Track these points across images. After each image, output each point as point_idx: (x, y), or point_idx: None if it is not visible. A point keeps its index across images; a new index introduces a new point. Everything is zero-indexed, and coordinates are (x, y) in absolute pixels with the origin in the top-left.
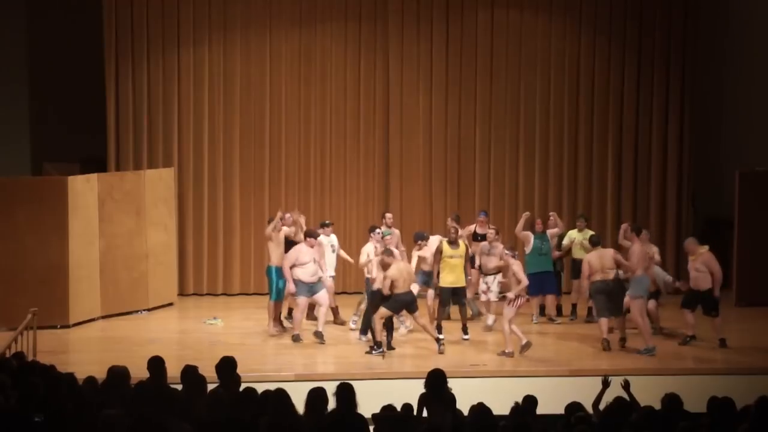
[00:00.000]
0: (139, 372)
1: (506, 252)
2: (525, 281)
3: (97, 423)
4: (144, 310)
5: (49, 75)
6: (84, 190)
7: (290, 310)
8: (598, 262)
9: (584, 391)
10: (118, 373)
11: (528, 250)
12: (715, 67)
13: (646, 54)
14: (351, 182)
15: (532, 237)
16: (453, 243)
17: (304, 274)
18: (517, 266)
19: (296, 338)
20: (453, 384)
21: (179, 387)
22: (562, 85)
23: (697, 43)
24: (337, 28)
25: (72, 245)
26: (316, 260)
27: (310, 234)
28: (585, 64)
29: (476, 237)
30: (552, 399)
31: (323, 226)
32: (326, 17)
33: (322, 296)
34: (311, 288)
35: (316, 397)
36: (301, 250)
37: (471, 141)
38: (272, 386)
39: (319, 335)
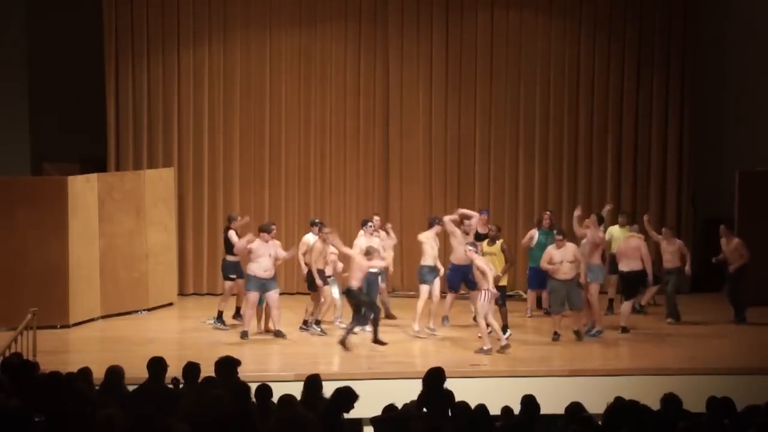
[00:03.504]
0: (139, 372)
1: (469, 248)
2: (490, 272)
3: (95, 423)
4: (144, 310)
5: (49, 74)
6: (84, 190)
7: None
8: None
9: (584, 391)
10: (116, 373)
11: (533, 244)
12: (715, 67)
13: (646, 54)
14: (351, 182)
15: (537, 232)
16: (491, 240)
17: (258, 268)
18: (480, 260)
19: (244, 335)
20: (452, 384)
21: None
22: (562, 85)
23: (697, 43)
24: (337, 28)
25: (72, 245)
26: (271, 255)
27: (264, 229)
28: (585, 64)
29: (478, 236)
30: (552, 399)
31: (312, 224)
32: (326, 17)
33: (272, 297)
34: (263, 284)
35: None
36: (253, 246)
37: (471, 141)
38: (272, 386)
39: (278, 334)
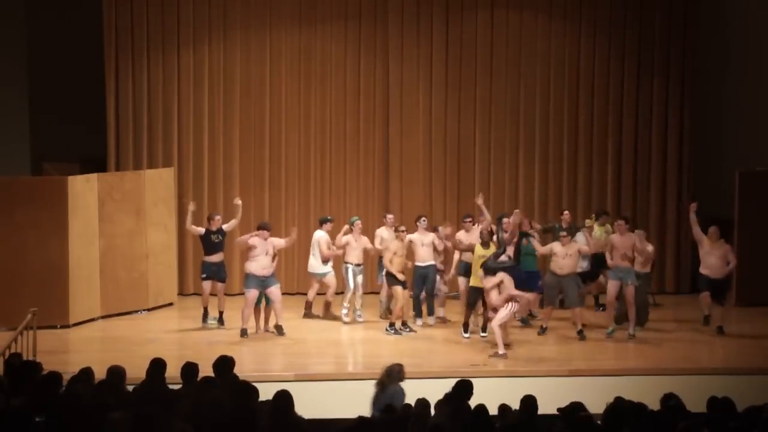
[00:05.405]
0: (139, 372)
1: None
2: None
3: (104, 426)
4: (144, 310)
5: (49, 74)
6: (84, 190)
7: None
8: None
9: (584, 391)
10: (117, 373)
11: None
12: (715, 67)
13: (646, 55)
14: (351, 182)
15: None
16: (485, 243)
17: (256, 267)
18: (508, 280)
19: (243, 333)
20: (452, 384)
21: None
22: (562, 86)
23: (696, 43)
24: (337, 28)
25: (72, 245)
26: (268, 253)
27: (263, 226)
28: (585, 65)
29: None
30: (552, 399)
31: (324, 222)
32: (326, 17)
33: (275, 292)
34: (263, 282)
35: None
36: (252, 243)
37: (471, 141)
38: (272, 386)
39: (279, 329)
